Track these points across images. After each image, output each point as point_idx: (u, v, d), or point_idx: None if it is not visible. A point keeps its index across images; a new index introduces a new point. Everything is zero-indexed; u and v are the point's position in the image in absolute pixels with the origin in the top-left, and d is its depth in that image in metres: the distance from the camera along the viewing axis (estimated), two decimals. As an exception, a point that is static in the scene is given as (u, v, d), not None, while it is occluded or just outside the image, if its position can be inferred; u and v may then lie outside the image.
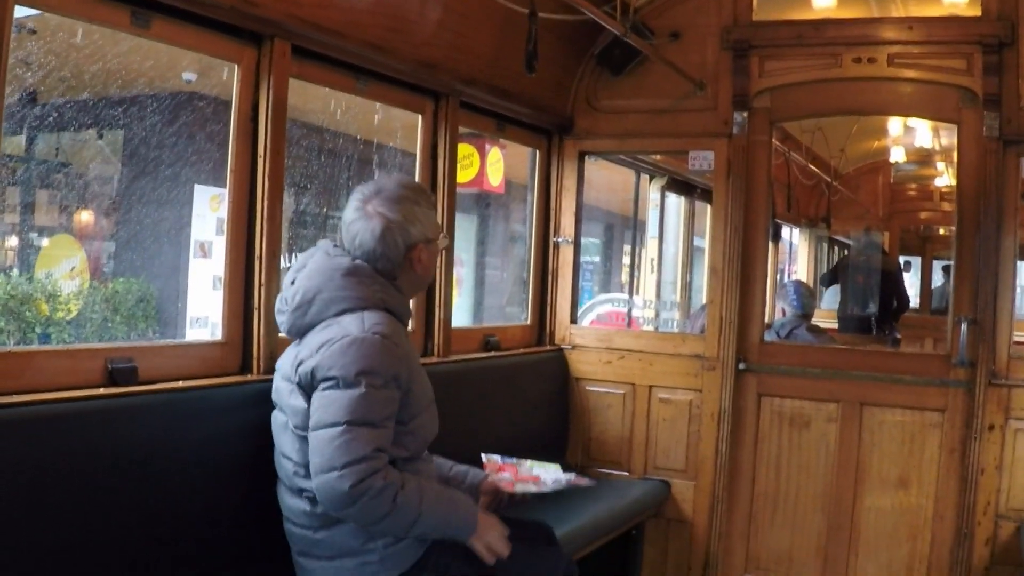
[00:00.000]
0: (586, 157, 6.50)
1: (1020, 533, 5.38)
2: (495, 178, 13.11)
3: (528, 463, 4.27)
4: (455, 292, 14.11)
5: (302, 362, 3.51)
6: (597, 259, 21.74)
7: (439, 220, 4.80)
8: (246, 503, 3.79)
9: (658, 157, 7.74)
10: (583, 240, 6.59)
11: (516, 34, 4.62)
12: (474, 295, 16.18)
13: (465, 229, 15.29)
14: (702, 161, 6.03)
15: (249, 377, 4.12)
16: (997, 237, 5.51)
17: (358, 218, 3.67)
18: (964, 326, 5.48)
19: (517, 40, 4.40)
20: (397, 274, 3.72)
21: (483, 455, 4.22)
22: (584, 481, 4.32)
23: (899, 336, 9.06)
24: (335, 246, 3.75)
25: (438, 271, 5.20)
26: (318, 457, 3.37)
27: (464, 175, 12.71)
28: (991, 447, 5.50)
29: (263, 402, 3.77)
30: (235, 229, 4.15)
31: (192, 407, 3.72)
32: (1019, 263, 10.24)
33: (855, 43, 5.80)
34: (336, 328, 3.51)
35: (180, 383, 3.79)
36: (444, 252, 5.06)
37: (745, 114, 5.93)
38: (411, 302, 4.06)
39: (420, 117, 5.32)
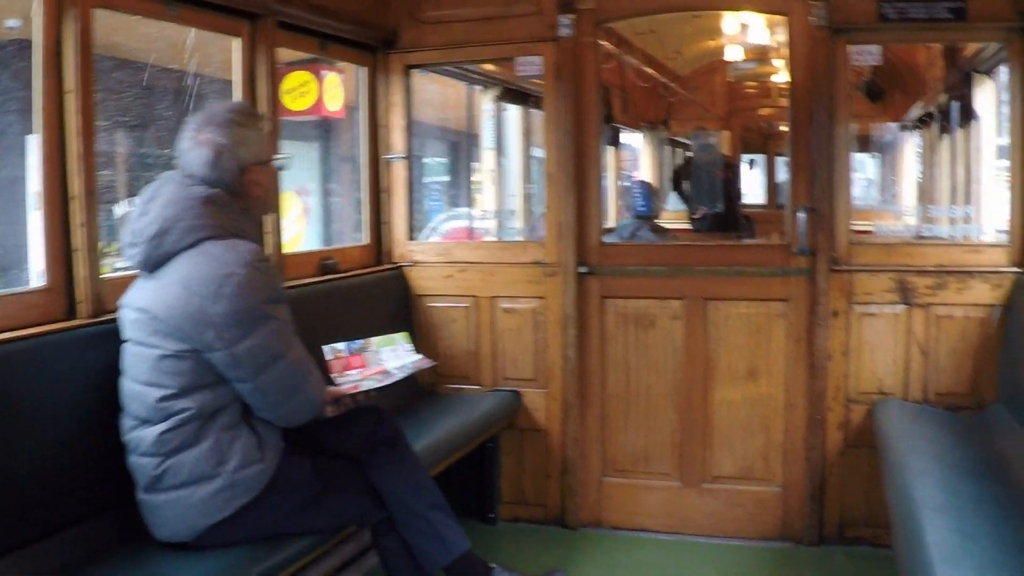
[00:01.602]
0: (413, 71, 6.33)
1: (871, 415, 5.47)
2: (334, 103, 12.89)
3: (375, 343, 4.38)
4: (303, 222, 13.94)
5: (172, 296, 3.53)
6: (447, 178, 21.63)
7: None
8: (87, 447, 3.72)
9: (494, 68, 7.64)
10: (430, 159, 6.49)
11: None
12: (323, 222, 15.99)
13: (307, 157, 15.05)
14: (529, 67, 5.93)
15: (76, 322, 3.95)
16: (830, 127, 5.53)
17: (191, 147, 3.70)
18: (802, 215, 5.51)
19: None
20: (236, 199, 3.72)
21: (325, 348, 4.23)
22: (427, 363, 4.50)
23: (754, 231, 9.16)
24: (185, 175, 3.71)
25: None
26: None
27: (302, 102, 12.53)
28: (837, 333, 5.58)
29: (94, 346, 3.75)
30: (49, 170, 3.92)
31: (20, 358, 3.57)
32: (861, 155, 10.56)
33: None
34: (210, 263, 3.53)
35: (5, 335, 3.62)
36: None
37: (571, 16, 5.82)
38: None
39: (235, 41, 5.09)
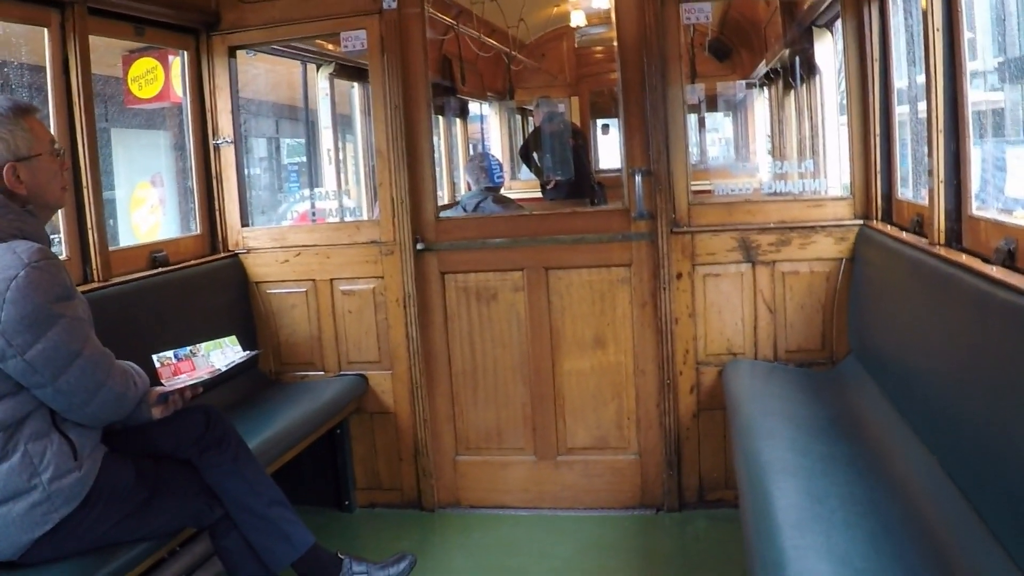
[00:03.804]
0: (238, 52, 6.15)
1: (721, 376, 5.48)
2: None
3: (203, 348, 4.26)
4: (159, 212, 13.61)
5: None
6: (304, 158, 21.36)
7: (68, 137, 4.81)
8: None
9: (330, 46, 7.47)
10: (289, 141, 6.34)
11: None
12: (180, 213, 15.65)
13: (158, 146, 14.68)
14: (355, 41, 5.79)
15: None
16: (663, 88, 5.48)
17: None
18: (639, 178, 5.48)
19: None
20: (12, 198, 3.54)
21: (154, 358, 4.07)
22: (251, 353, 4.43)
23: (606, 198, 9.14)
24: None
25: (87, 192, 4.94)
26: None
27: (149, 90, 12.22)
28: (682, 296, 5.58)
29: None
30: None
31: None
32: (715, 114, 10.60)
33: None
34: None
35: None
36: (89, 172, 4.94)
37: (395, -12, 5.70)
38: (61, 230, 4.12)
39: (46, 31, 4.87)
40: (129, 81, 10.45)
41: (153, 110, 12.84)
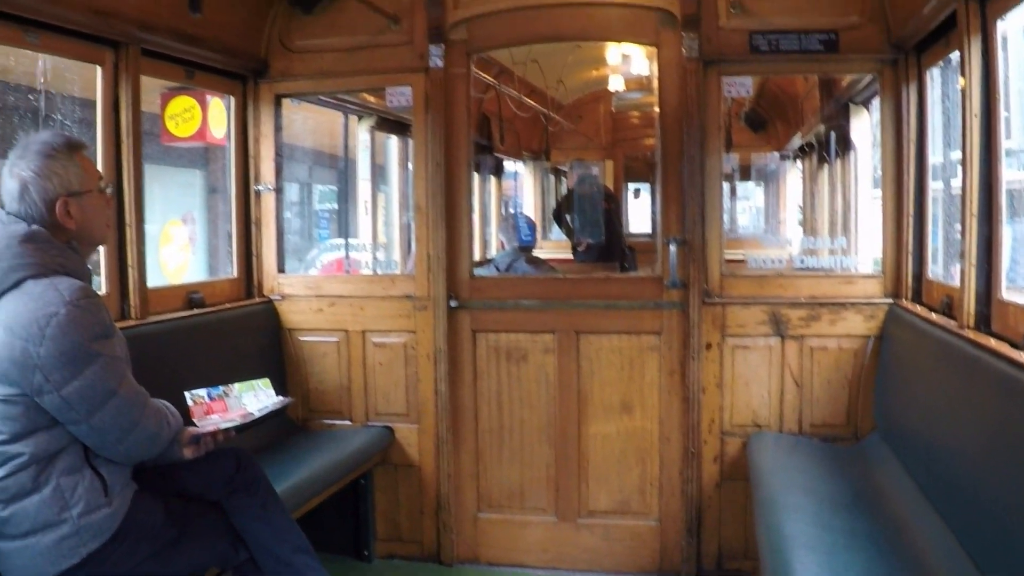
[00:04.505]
0: (284, 100, 6.23)
1: (746, 448, 5.48)
2: (220, 130, 12.64)
3: (236, 388, 4.29)
4: (188, 251, 13.66)
5: None
6: (335, 205, 21.46)
7: (114, 174, 4.81)
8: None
9: (372, 98, 7.56)
10: (320, 187, 6.39)
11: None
12: (209, 252, 15.72)
13: (193, 184, 14.77)
14: (400, 97, 5.88)
15: None
16: (701, 158, 5.54)
17: (6, 181, 3.57)
18: (673, 247, 5.51)
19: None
20: (57, 233, 3.58)
21: (187, 395, 4.10)
22: (286, 400, 4.47)
23: (636, 263, 9.18)
24: (7, 213, 3.57)
25: (130, 229, 4.98)
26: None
27: (186, 128, 12.26)
28: (710, 366, 5.60)
29: None
30: None
31: None
32: (747, 184, 10.64)
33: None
34: (31, 304, 3.38)
35: None
36: (132, 209, 4.98)
37: (442, 47, 5.79)
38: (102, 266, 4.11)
39: (99, 69, 4.95)
40: (166, 118, 10.45)
41: (188, 148, 12.90)
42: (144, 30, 5.01)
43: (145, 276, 5.11)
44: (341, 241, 14.95)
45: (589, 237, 9.21)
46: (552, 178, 11.35)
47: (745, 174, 9.71)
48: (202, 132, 12.58)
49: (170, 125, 11.85)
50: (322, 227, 17.05)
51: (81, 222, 3.64)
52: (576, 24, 5.83)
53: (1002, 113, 4.13)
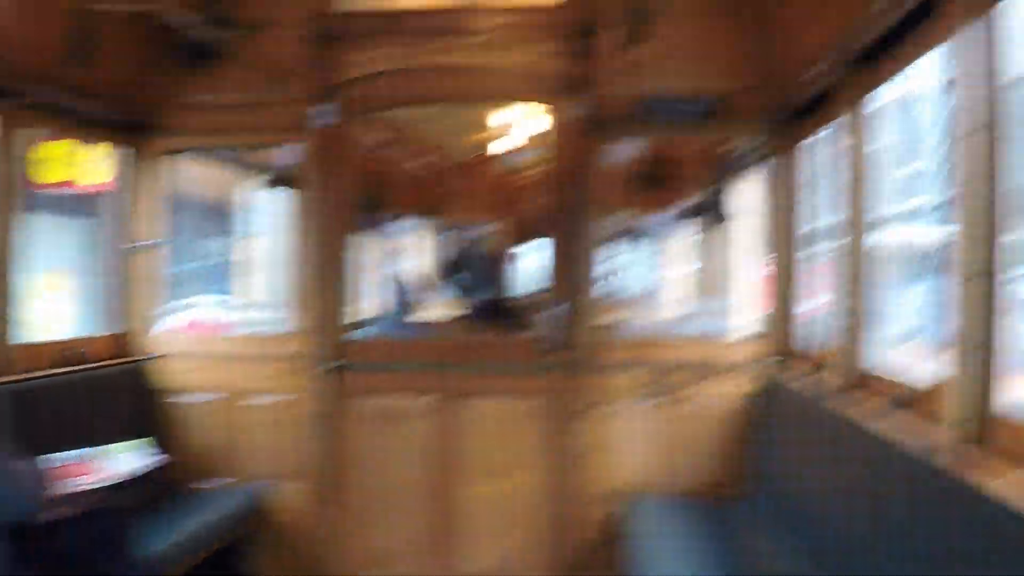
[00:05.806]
0: (171, 155, 6.15)
1: (625, 511, 5.49)
2: (97, 176, 12.13)
3: (109, 449, 4.26)
4: (62, 304, 13.19)
5: None
6: (213, 262, 21.10)
7: None
8: None
9: (268, 152, 7.52)
10: (198, 239, 6.30)
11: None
12: (94, 304, 15.36)
13: (68, 234, 14.40)
14: (287, 155, 5.86)
15: None
16: (583, 221, 5.61)
17: None
18: (556, 310, 5.55)
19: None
20: None
21: (55, 457, 4.01)
22: (161, 459, 4.43)
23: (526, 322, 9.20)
24: None
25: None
26: None
27: (58, 174, 11.73)
28: (591, 428, 5.66)
29: None
30: None
31: None
32: (636, 243, 10.73)
33: (441, 32, 5.78)
34: None
35: None
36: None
37: (330, 106, 5.81)
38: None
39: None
40: (35, 163, 10.00)
41: (62, 196, 12.31)
42: (30, 81, 4.92)
43: (7, 332, 4.97)
44: (211, 297, 14.69)
45: (477, 296, 9.23)
46: (445, 236, 11.36)
47: (633, 235, 9.81)
48: (72, 180, 11.98)
49: (40, 171, 11.28)
50: (195, 281, 16.75)
51: None
52: (467, 86, 5.88)
53: (867, 184, 4.28)
